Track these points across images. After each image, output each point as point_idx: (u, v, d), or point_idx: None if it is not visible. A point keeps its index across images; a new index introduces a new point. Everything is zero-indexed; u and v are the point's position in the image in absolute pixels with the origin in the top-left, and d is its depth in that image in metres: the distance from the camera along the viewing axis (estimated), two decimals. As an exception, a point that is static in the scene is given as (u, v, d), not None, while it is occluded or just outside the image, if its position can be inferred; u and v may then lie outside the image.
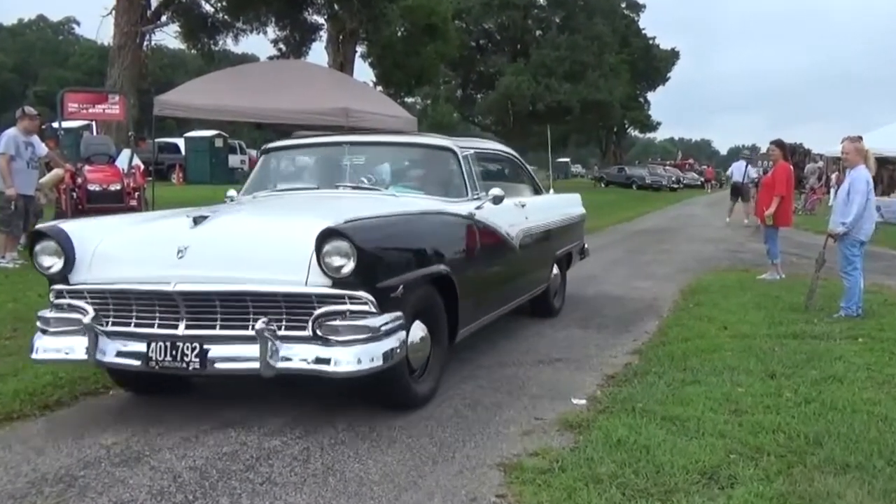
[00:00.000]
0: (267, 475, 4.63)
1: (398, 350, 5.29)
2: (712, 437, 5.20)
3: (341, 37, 32.88)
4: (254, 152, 36.82)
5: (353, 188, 7.25)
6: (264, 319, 5.04)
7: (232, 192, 7.83)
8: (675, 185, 65.73)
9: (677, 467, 4.65)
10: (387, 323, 5.21)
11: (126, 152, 16.93)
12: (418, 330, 5.79)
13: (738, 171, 26.18)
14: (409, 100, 51.30)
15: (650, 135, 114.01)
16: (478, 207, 7.04)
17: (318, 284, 5.17)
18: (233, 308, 5.25)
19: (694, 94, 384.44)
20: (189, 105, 16.20)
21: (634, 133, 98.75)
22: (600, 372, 7.17)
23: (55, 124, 17.77)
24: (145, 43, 26.08)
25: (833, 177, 31.10)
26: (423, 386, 5.99)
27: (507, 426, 5.63)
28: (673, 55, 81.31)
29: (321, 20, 35.41)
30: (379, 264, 5.33)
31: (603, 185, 65.15)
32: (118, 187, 14.46)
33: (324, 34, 35.60)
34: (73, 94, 18.71)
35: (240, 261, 5.33)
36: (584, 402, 6.20)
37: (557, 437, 5.39)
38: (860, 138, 9.77)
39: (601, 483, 4.46)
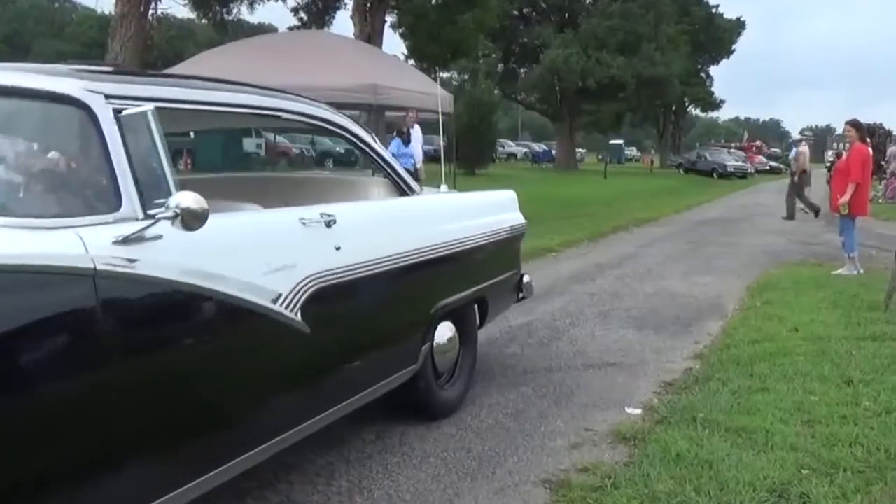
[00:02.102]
0: (286, 493, 4.63)
1: None
2: (782, 451, 5.17)
3: (369, 4, 32.82)
4: (271, 136, 36.86)
5: None
6: None
7: None
8: (749, 171, 65.25)
9: (743, 484, 4.63)
10: None
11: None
12: None
13: None
14: (445, 75, 51.25)
15: (713, 114, 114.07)
16: (133, 238, 3.18)
17: None
18: None
19: (762, 69, 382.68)
20: (200, 81, 16.27)
21: (695, 112, 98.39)
22: (657, 378, 7.14)
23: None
24: (150, 11, 26.13)
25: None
26: None
27: (553, 438, 5.63)
28: (738, 25, 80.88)
29: (346, -14, 35.52)
30: None
31: (682, 172, 64.91)
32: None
33: (349, 2, 35.67)
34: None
35: None
36: (639, 411, 6.19)
37: (609, 450, 5.39)
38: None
39: (658, 502, 4.46)
